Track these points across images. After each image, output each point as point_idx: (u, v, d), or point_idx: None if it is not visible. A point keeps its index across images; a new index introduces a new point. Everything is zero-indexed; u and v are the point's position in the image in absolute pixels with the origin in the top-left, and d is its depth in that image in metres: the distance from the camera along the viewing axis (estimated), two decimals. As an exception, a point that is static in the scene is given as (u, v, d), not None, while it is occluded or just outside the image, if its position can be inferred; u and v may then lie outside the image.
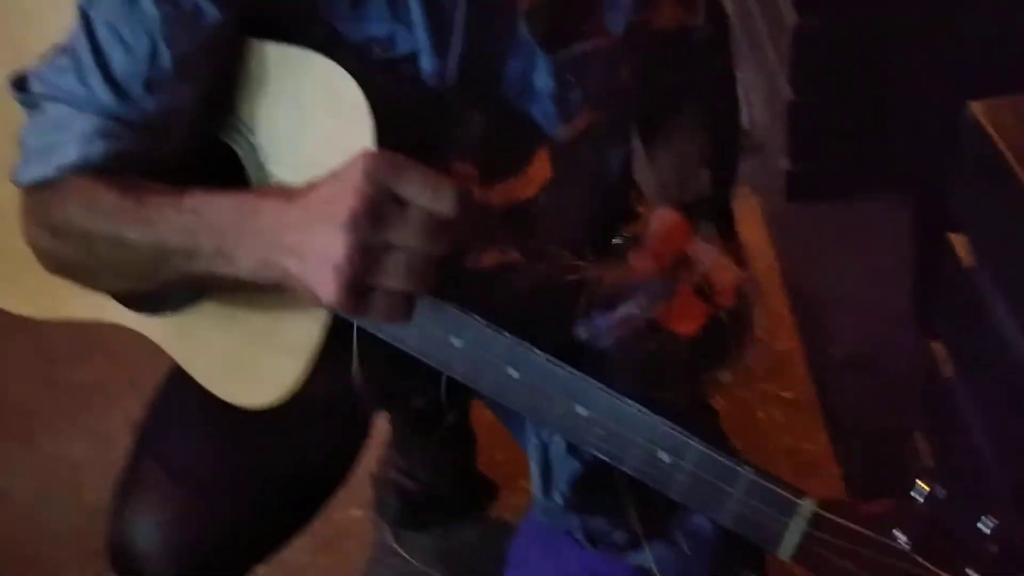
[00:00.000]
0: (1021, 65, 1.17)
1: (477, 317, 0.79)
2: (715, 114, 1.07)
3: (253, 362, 0.91)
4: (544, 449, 1.04)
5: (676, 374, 0.96)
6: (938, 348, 1.17)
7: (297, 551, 1.52)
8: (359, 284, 0.67)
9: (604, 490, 1.03)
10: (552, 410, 0.77)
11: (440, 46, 0.88)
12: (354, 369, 0.93)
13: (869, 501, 0.71)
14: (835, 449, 1.57)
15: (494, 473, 1.58)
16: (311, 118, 0.84)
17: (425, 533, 1.55)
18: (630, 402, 0.76)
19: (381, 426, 1.55)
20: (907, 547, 0.68)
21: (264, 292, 0.84)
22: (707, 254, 0.89)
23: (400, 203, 0.67)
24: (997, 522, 0.67)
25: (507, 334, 0.78)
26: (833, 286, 1.89)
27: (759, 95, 2.26)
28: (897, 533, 0.68)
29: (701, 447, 0.73)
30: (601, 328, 0.88)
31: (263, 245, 0.72)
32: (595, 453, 0.78)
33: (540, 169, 0.98)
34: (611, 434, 0.76)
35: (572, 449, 1.03)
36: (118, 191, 0.80)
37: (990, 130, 0.94)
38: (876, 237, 1.95)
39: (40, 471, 1.73)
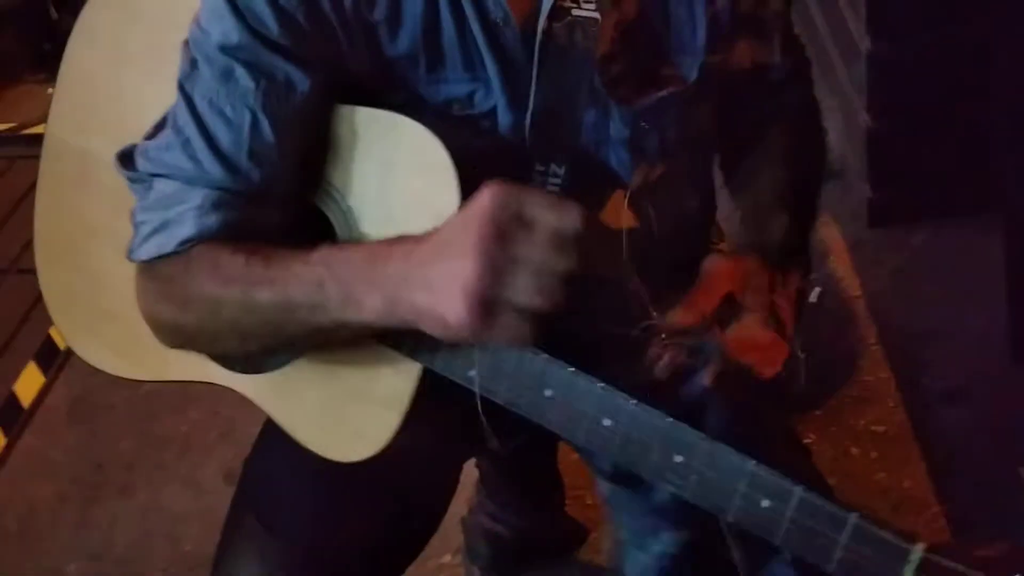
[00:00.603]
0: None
1: (565, 365, 0.79)
2: (797, 150, 1.06)
3: (348, 417, 0.93)
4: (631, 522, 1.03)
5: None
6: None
7: (390, 598, 1.54)
8: (488, 302, 0.68)
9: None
10: (649, 458, 0.77)
11: (516, 101, 0.90)
12: (486, 431, 0.95)
13: (981, 544, 0.70)
14: (935, 485, 1.53)
15: (583, 516, 1.57)
16: (399, 179, 0.86)
17: (516, 577, 1.55)
18: (726, 447, 0.75)
19: (470, 471, 1.56)
20: None
21: (358, 348, 0.87)
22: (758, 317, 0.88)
23: (526, 224, 0.69)
24: None
25: (599, 382, 0.78)
26: (922, 314, 1.85)
27: (834, 122, 2.23)
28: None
29: (803, 492, 0.73)
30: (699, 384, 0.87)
31: (392, 286, 0.74)
32: (697, 503, 0.77)
33: (616, 212, 0.99)
34: (708, 481, 0.75)
35: (641, 545, 1.02)
36: (244, 255, 0.83)
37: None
38: (964, 262, 1.91)
39: (139, 521, 1.77)
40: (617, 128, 0.93)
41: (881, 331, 1.84)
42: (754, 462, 0.74)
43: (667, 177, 0.98)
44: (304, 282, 0.79)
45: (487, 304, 0.69)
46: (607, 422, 0.77)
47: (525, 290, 0.68)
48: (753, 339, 0.87)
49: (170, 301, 0.88)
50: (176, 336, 0.91)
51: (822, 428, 1.68)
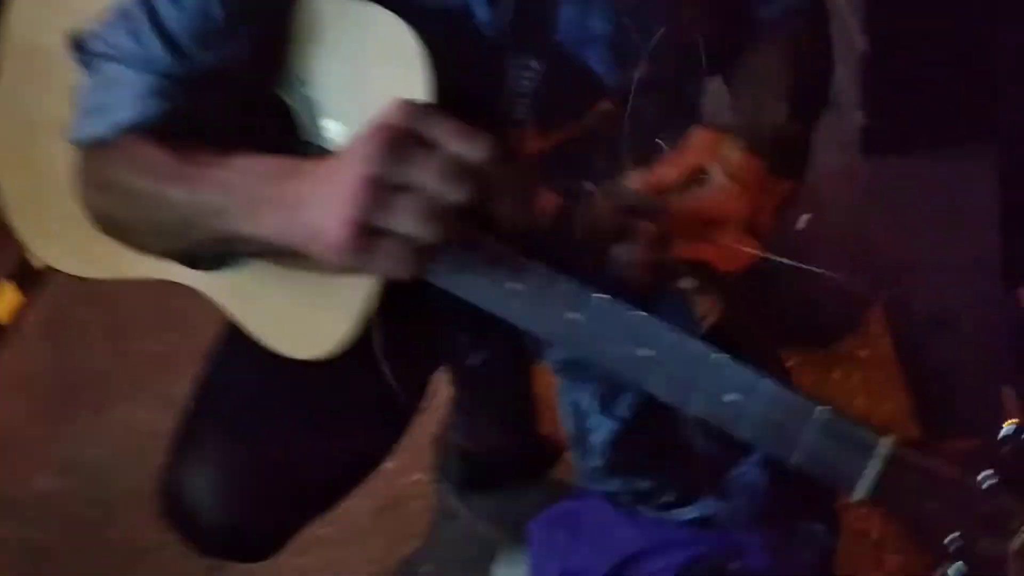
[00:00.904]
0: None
1: (535, 262, 0.75)
2: (802, 51, 1.00)
3: (307, 316, 0.91)
4: (576, 410, 1.01)
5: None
6: (1025, 293, 1.10)
7: (359, 514, 1.53)
8: (367, 225, 0.63)
9: (645, 448, 1.00)
10: (613, 352, 0.73)
11: None
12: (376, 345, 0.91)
13: (953, 440, 0.66)
14: (916, 410, 1.50)
15: (557, 436, 1.55)
16: (366, 69, 0.83)
17: (488, 496, 1.53)
18: (690, 338, 0.72)
19: (444, 389, 1.53)
20: (992, 485, 0.63)
21: None
22: (720, 187, 0.82)
23: (426, 146, 0.63)
24: None
25: (567, 277, 0.74)
26: (913, 243, 1.81)
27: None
28: (984, 473, 0.63)
29: (769, 384, 0.69)
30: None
31: (291, 203, 0.70)
32: (659, 397, 0.74)
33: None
34: (674, 376, 0.72)
35: (605, 408, 0.99)
36: (169, 149, 0.80)
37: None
38: (959, 192, 1.86)
39: (111, 438, 1.75)
40: (597, 24, 0.89)
41: (869, 258, 1.80)
42: (717, 352, 0.71)
43: (651, 82, 0.93)
44: (214, 184, 0.75)
45: (366, 227, 0.63)
46: (571, 315, 0.73)
47: (410, 218, 0.62)
48: (714, 215, 0.82)
49: (96, 187, 0.86)
50: (102, 223, 0.88)
51: (805, 353, 1.65)
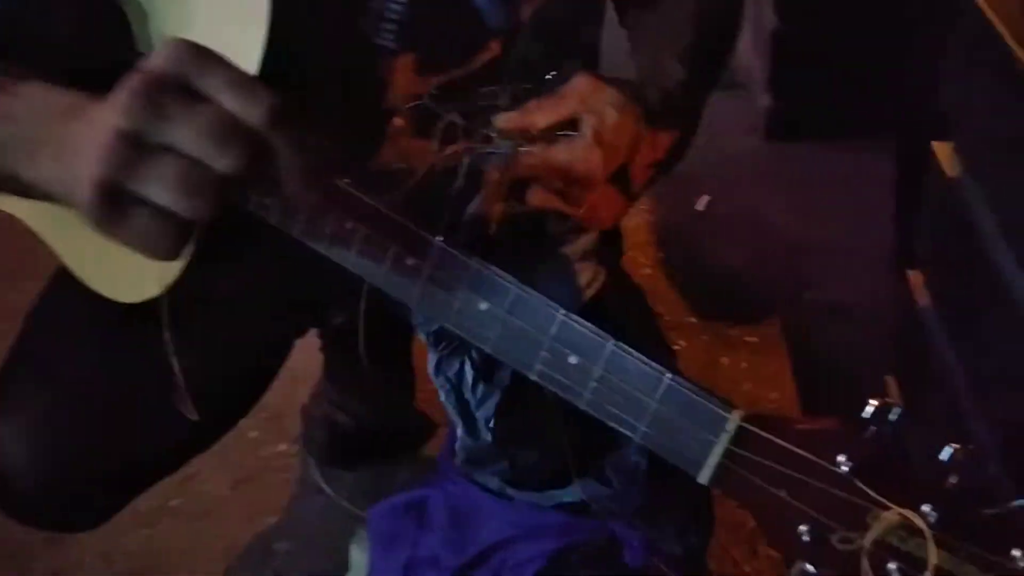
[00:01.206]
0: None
1: (374, 200, 0.67)
2: (708, 14, 0.94)
3: (129, 255, 0.81)
4: (456, 385, 0.93)
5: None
6: (915, 277, 1.05)
7: (216, 483, 1.43)
8: (114, 186, 0.52)
9: (531, 417, 0.93)
10: (452, 304, 0.65)
11: None
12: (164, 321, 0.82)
13: (806, 419, 0.59)
14: (801, 399, 1.46)
15: (434, 410, 1.47)
16: None
17: (353, 471, 1.44)
18: (537, 295, 0.65)
19: (316, 357, 1.44)
20: (847, 471, 0.56)
21: None
22: (582, 145, 0.75)
23: (194, 100, 0.52)
24: (958, 448, 0.55)
25: (412, 222, 0.66)
26: (811, 229, 1.78)
27: (745, 28, 2.13)
28: (840, 458, 0.56)
29: (614, 347, 0.62)
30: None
31: (63, 151, 0.58)
32: (501, 359, 0.67)
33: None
34: (514, 332, 0.65)
35: (486, 378, 0.92)
36: None
37: (988, 12, 0.81)
38: (855, 179, 1.84)
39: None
40: None
41: (767, 243, 1.76)
42: (564, 312, 0.64)
43: (543, 22, 0.86)
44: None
45: (115, 191, 0.52)
46: (411, 260, 0.66)
47: (164, 186, 0.52)
48: (572, 170, 0.74)
49: None
50: None
51: (694, 336, 1.60)
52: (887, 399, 0.59)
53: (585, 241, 0.93)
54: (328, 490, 1.42)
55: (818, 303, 1.63)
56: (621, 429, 0.64)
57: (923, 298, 1.02)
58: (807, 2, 1.85)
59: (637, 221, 1.83)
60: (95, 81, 0.61)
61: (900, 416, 0.58)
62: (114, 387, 0.93)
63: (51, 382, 0.93)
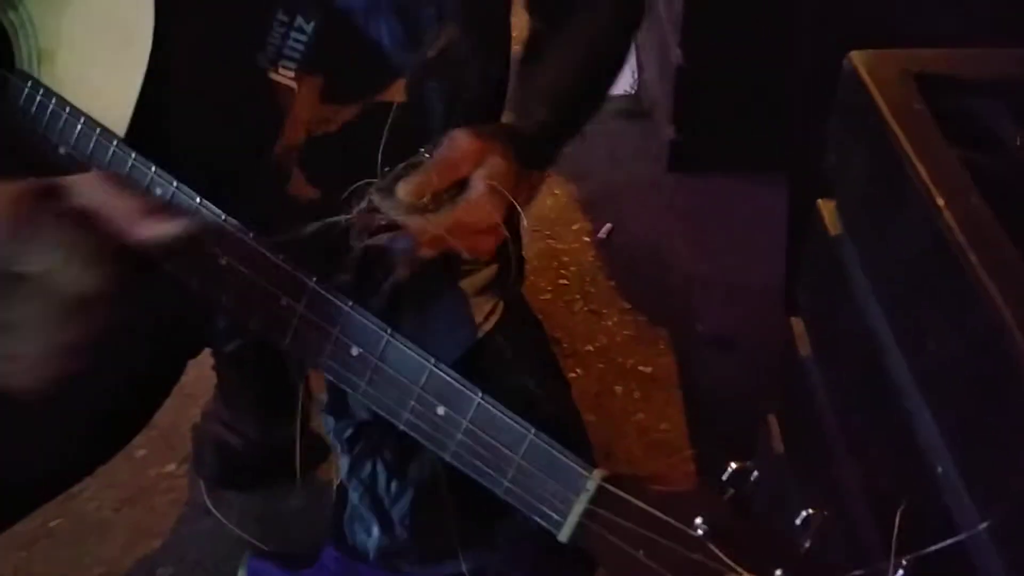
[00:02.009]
0: (912, 21, 1.09)
1: (252, 239, 0.67)
2: (595, 52, 0.96)
3: None
4: (371, 488, 0.93)
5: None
6: (797, 325, 1.09)
7: (99, 503, 1.40)
8: None
9: (438, 506, 0.93)
10: (324, 349, 0.65)
11: None
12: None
13: (667, 481, 0.62)
14: (690, 430, 1.50)
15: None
16: None
17: (244, 494, 1.42)
18: (406, 342, 0.66)
19: (208, 375, 1.42)
20: (703, 534, 0.58)
21: None
22: (480, 199, 0.77)
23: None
24: (814, 513, 0.58)
25: (283, 260, 0.67)
26: (705, 261, 1.83)
27: (651, 60, 2.18)
28: (697, 520, 0.58)
29: (481, 400, 0.64)
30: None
31: None
32: (370, 406, 0.68)
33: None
34: (384, 379, 0.66)
35: (397, 474, 0.92)
36: None
37: (867, 80, 0.85)
38: (753, 214, 1.90)
39: None
40: None
41: (663, 273, 1.80)
42: (434, 362, 0.65)
43: (448, 53, 0.86)
44: None
45: None
46: (284, 301, 0.66)
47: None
48: (475, 224, 0.76)
49: None
50: None
51: (590, 364, 1.63)
52: (745, 463, 0.61)
53: (484, 274, 0.94)
54: (216, 513, 1.40)
55: (709, 336, 1.67)
56: (485, 483, 0.65)
57: (804, 347, 1.06)
58: (711, 39, 1.90)
59: (539, 246, 1.85)
60: None
61: (758, 479, 0.61)
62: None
63: None
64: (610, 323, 1.71)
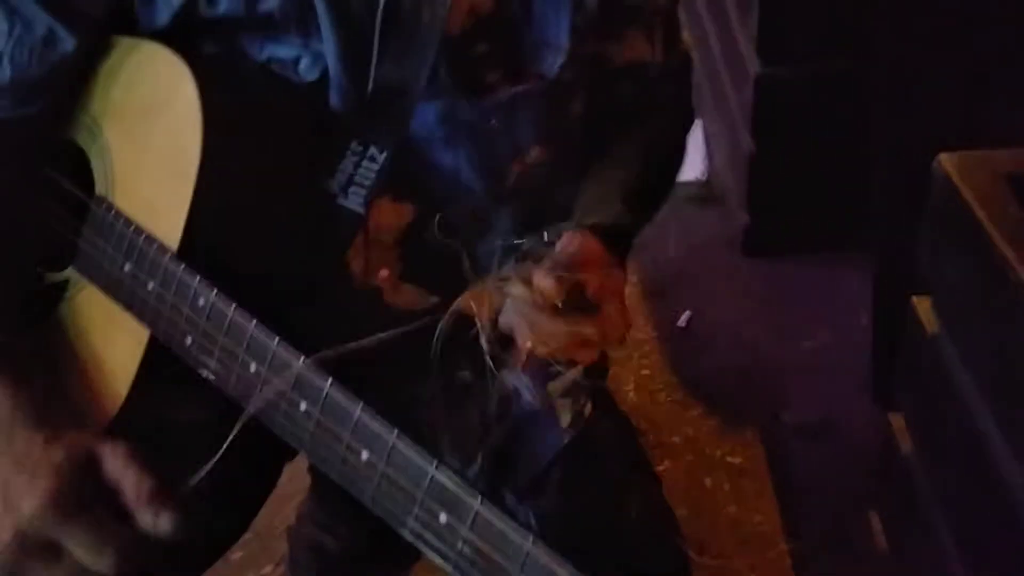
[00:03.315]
0: (995, 119, 1.10)
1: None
2: (654, 148, 0.98)
3: (77, 388, 0.83)
4: None
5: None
6: (897, 421, 1.09)
7: (199, 609, 1.40)
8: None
9: None
10: (338, 453, 0.67)
11: (350, 72, 0.82)
12: None
13: None
14: (784, 522, 1.48)
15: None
16: (150, 116, 0.80)
17: (341, 595, 1.42)
18: (411, 444, 0.65)
19: (302, 476, 1.44)
20: None
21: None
22: (616, 314, 0.77)
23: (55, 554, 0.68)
24: None
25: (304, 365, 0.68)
26: (788, 347, 1.82)
27: (721, 146, 2.20)
28: None
29: (480, 507, 0.62)
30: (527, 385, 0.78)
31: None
32: (377, 512, 0.68)
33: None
34: (390, 484, 0.65)
35: None
36: None
37: (960, 184, 0.86)
38: (837, 299, 1.88)
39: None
40: (466, 118, 0.85)
41: (747, 360, 1.80)
42: (436, 464, 0.64)
43: (524, 181, 0.89)
44: None
45: None
46: (304, 406, 0.68)
47: None
48: (604, 338, 0.76)
49: None
50: None
51: (677, 455, 1.62)
52: None
53: (570, 375, 0.95)
54: (316, 616, 1.40)
55: (796, 424, 1.66)
56: None
57: (906, 444, 1.05)
58: (782, 125, 1.92)
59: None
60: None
61: None
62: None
63: None
64: (695, 413, 1.70)
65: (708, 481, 1.57)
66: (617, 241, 0.85)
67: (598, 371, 0.97)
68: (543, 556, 0.59)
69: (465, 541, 0.62)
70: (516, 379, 0.78)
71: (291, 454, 1.14)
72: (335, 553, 1.43)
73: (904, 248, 1.22)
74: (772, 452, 1.61)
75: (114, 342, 0.81)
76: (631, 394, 1.75)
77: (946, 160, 0.90)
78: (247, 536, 1.47)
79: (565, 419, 0.90)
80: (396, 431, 0.65)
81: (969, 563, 0.92)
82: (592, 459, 0.92)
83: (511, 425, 0.85)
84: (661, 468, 1.58)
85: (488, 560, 0.61)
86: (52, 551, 0.69)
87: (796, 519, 1.48)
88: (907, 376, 1.06)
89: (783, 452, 1.61)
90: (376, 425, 0.65)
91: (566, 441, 0.89)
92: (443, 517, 0.63)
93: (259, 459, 1.02)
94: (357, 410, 0.66)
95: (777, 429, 1.65)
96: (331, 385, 0.67)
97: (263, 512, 1.07)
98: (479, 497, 0.61)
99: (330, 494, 1.43)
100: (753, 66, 1.85)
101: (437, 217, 0.82)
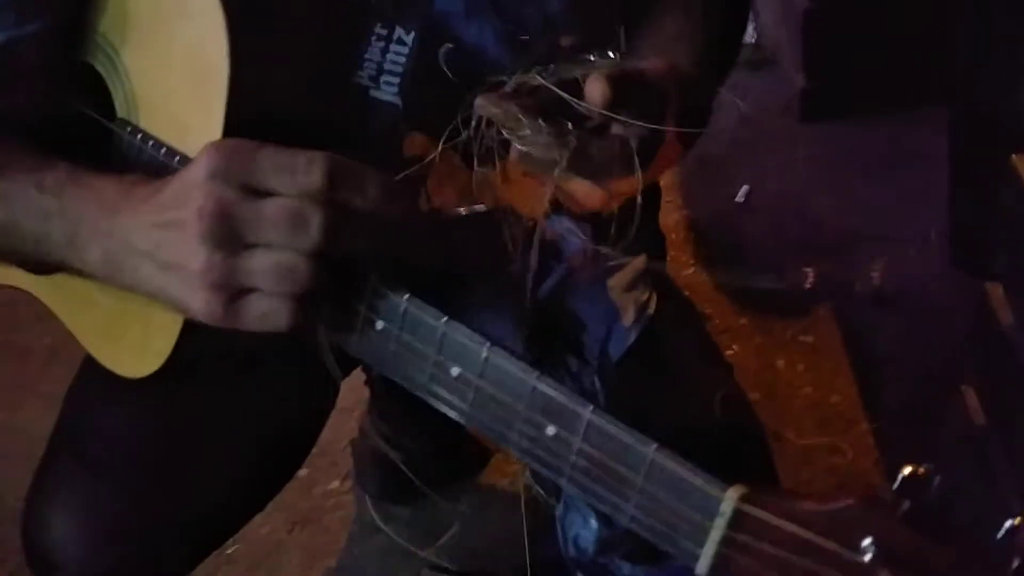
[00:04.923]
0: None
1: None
2: (713, 15, 0.88)
3: (133, 321, 0.80)
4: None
5: None
6: (994, 290, 1.00)
7: (272, 527, 1.40)
8: (228, 289, 0.60)
9: None
10: (423, 369, 0.61)
11: None
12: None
13: (819, 497, 0.51)
14: (864, 400, 1.41)
15: (487, 437, 1.43)
16: (166, 26, 0.74)
17: (410, 506, 1.40)
18: (506, 355, 0.59)
19: (361, 387, 1.40)
20: (871, 559, 0.48)
21: None
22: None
23: (256, 196, 0.59)
24: (1019, 523, 0.47)
25: (371, 276, 0.63)
26: (855, 215, 1.72)
27: (770, 4, 2.06)
28: (864, 542, 0.48)
29: (592, 416, 0.56)
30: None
31: (115, 244, 0.66)
32: (473, 427, 0.63)
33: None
34: (486, 398, 0.60)
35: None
36: None
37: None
38: (902, 160, 1.78)
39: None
40: None
41: (812, 232, 1.70)
42: (538, 375, 0.58)
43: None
44: (31, 211, 0.69)
45: (226, 291, 0.60)
46: (380, 324, 0.62)
47: (266, 275, 0.59)
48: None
49: None
50: None
51: (746, 338, 1.55)
52: (920, 468, 0.51)
53: (631, 268, 0.88)
54: (387, 529, 1.39)
55: (872, 295, 1.57)
56: (608, 512, 0.58)
57: (1006, 316, 0.97)
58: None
59: (675, 217, 1.78)
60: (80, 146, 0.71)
61: (938, 487, 0.49)
62: (161, 463, 0.91)
63: (96, 467, 0.91)
64: (761, 292, 1.63)
65: (780, 363, 1.51)
66: (697, 92, 0.75)
67: (657, 257, 0.90)
68: (669, 461, 0.54)
69: (579, 453, 0.57)
70: (557, 224, 0.71)
71: (348, 371, 1.11)
72: (400, 463, 1.40)
73: (989, 100, 1.11)
74: (847, 327, 1.53)
75: None
76: (692, 276, 1.67)
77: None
78: (312, 452, 1.46)
79: (629, 317, 0.85)
80: (488, 343, 0.59)
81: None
82: (660, 358, 0.86)
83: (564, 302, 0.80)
84: (729, 353, 1.51)
85: (607, 470, 0.56)
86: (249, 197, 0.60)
87: (878, 397, 1.41)
88: (1006, 242, 0.97)
89: (859, 327, 1.53)
90: (463, 338, 0.60)
91: (632, 339, 0.84)
92: (551, 430, 0.58)
93: (318, 373, 0.99)
94: (441, 325, 0.61)
95: (851, 302, 1.57)
96: (408, 299, 0.62)
97: (326, 428, 1.04)
98: (589, 406, 0.56)
99: (392, 406, 1.40)
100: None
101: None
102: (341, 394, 1.05)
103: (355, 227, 0.60)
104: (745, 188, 1.83)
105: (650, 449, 0.54)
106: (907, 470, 0.49)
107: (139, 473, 0.90)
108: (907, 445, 1.27)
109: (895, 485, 0.49)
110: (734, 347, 1.54)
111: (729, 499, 0.52)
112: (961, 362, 1.15)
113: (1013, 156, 0.90)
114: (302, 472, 1.50)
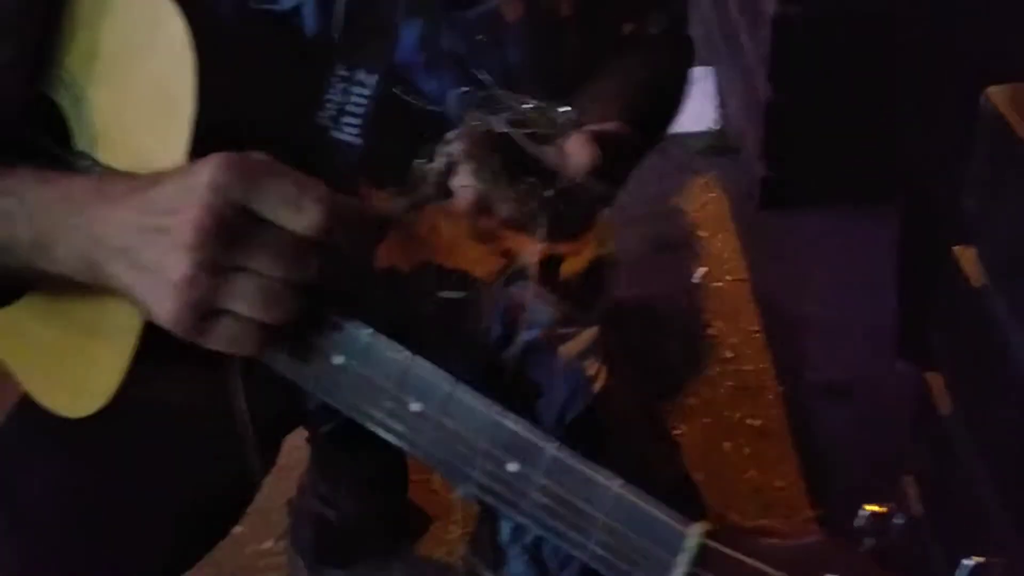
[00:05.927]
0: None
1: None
2: (652, 83, 0.91)
3: (74, 359, 0.78)
4: (535, 553, 0.87)
5: None
6: (934, 380, 1.01)
7: (199, 587, 1.35)
8: (202, 307, 0.59)
9: None
10: (381, 404, 0.60)
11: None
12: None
13: (788, 533, 0.52)
14: (808, 487, 1.41)
15: (428, 503, 1.41)
16: (133, 60, 0.73)
17: (345, 569, 1.37)
18: (470, 391, 0.59)
19: (302, 448, 1.38)
20: None
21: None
22: None
23: (255, 222, 0.58)
24: (982, 562, 0.49)
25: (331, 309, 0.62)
26: (808, 303, 1.74)
27: (735, 94, 2.11)
28: None
29: (556, 452, 0.56)
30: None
31: (88, 242, 0.64)
32: (434, 465, 0.61)
33: None
34: (447, 435, 0.58)
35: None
36: None
37: (1013, 120, 0.77)
38: (855, 252, 1.81)
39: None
40: (450, 41, 0.80)
41: (765, 318, 1.72)
42: (498, 410, 0.57)
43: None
44: None
45: (201, 308, 0.59)
46: (338, 360, 0.61)
47: (246, 300, 0.59)
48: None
49: None
50: None
51: (694, 418, 1.55)
52: (883, 505, 0.53)
53: (584, 337, 0.88)
54: (318, 592, 1.35)
55: (820, 384, 1.58)
56: (569, 549, 0.57)
57: (945, 405, 0.98)
58: (802, 71, 1.83)
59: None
60: None
61: (904, 524, 0.52)
62: (93, 513, 0.87)
63: (24, 519, 0.87)
64: (712, 374, 1.63)
65: (727, 445, 1.50)
66: (618, 156, 0.77)
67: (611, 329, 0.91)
68: (632, 497, 0.54)
69: (540, 490, 0.56)
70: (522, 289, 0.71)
71: (290, 427, 1.09)
72: (338, 525, 1.38)
73: (937, 196, 1.14)
74: (794, 414, 1.53)
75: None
76: (644, 354, 1.67)
77: (995, 94, 0.81)
78: (249, 510, 1.43)
79: (583, 378, 0.84)
80: (450, 378, 0.59)
81: (1017, 526, 0.85)
82: (607, 428, 0.86)
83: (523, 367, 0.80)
84: (677, 432, 1.51)
85: (569, 507, 0.56)
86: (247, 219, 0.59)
87: (821, 484, 1.41)
88: (946, 333, 0.98)
89: (806, 414, 1.53)
90: (423, 372, 0.59)
91: (582, 407, 0.84)
92: (512, 466, 0.57)
93: (262, 434, 0.97)
94: (402, 356, 0.60)
95: (800, 390, 1.57)
96: (370, 333, 0.61)
97: (263, 486, 1.02)
98: (553, 441, 0.56)
99: (331, 466, 1.37)
100: (770, 5, 1.75)
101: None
102: (283, 451, 1.04)
103: (345, 268, 0.61)
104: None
105: (615, 484, 0.54)
106: (870, 509, 0.51)
107: (68, 529, 0.86)
108: (849, 530, 1.26)
109: (857, 522, 0.51)
110: (682, 426, 1.53)
111: (693, 535, 0.52)
112: (901, 449, 1.15)
113: (955, 248, 0.92)
114: (237, 529, 1.46)
